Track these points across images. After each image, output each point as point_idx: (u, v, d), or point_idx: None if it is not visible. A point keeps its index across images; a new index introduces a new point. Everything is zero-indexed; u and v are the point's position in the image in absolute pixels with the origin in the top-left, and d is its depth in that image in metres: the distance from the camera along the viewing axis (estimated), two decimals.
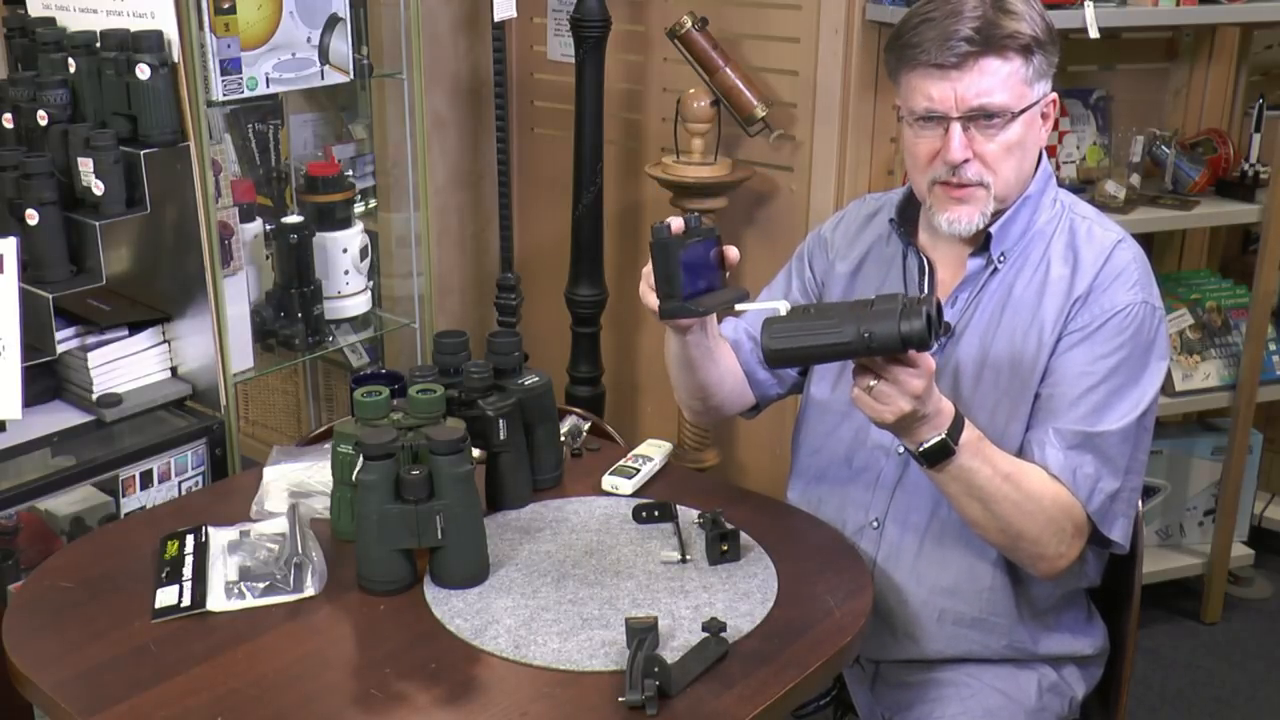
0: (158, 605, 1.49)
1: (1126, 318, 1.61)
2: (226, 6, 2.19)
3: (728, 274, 1.60)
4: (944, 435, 1.50)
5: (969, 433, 1.53)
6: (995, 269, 1.68)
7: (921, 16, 1.60)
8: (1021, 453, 1.63)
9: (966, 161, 1.61)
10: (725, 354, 1.81)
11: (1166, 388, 2.74)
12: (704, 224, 1.56)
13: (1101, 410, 1.60)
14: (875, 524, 1.73)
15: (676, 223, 1.55)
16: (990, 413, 1.65)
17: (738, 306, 1.60)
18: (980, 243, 1.68)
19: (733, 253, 1.61)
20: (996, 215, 1.66)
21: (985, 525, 1.59)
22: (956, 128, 1.59)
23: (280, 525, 1.64)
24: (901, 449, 1.68)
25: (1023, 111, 1.60)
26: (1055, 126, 1.69)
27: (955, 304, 1.70)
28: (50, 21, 2.20)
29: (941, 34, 1.56)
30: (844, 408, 1.76)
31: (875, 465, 1.73)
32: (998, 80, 1.57)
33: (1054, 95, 1.65)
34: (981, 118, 1.59)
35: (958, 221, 1.64)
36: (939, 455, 1.52)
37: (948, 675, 1.72)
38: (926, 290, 1.72)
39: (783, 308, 1.49)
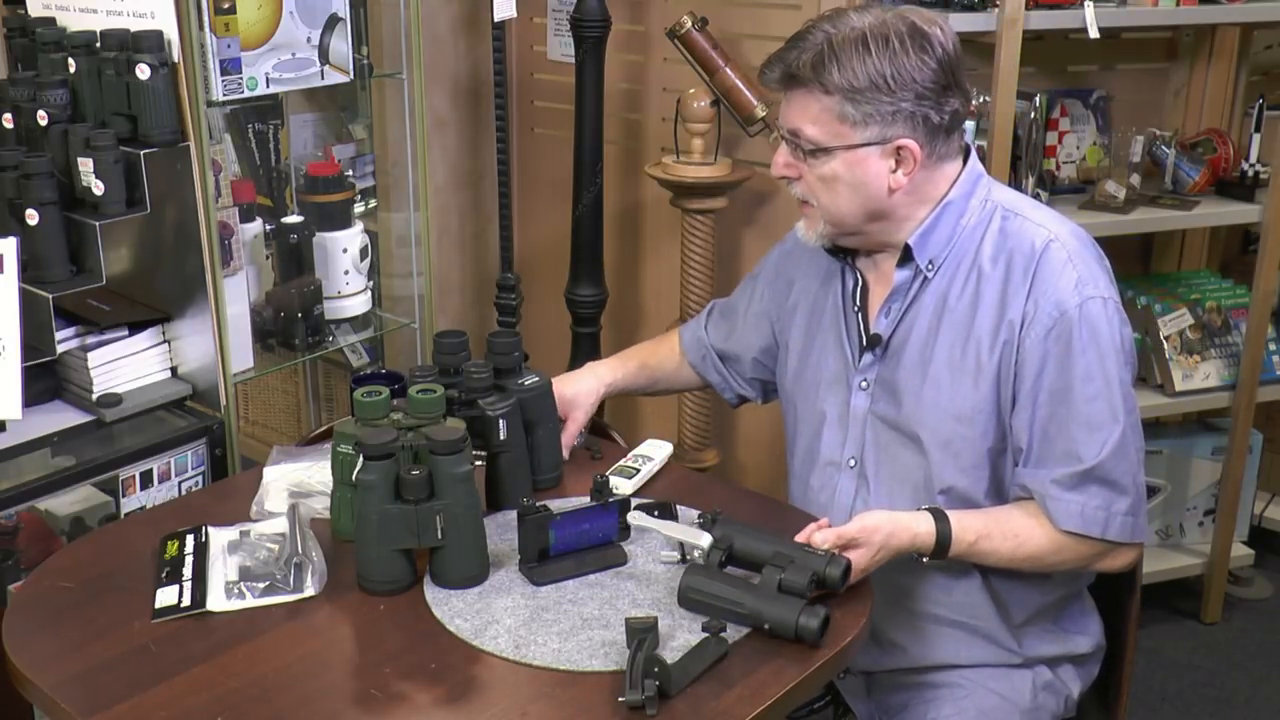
0: (158, 605, 1.49)
1: (1079, 324, 1.57)
2: (226, 6, 2.19)
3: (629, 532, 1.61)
4: (928, 558, 1.59)
5: (959, 544, 1.59)
6: (925, 279, 1.66)
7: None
8: (1019, 500, 1.64)
9: (789, 179, 1.65)
10: (663, 377, 2.00)
11: (1166, 388, 2.77)
12: (616, 493, 1.62)
13: (1088, 434, 1.58)
14: None
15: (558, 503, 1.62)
16: (932, 430, 1.64)
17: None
18: (903, 253, 1.66)
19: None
20: (887, 226, 1.65)
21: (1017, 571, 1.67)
22: (783, 144, 1.64)
23: (280, 525, 1.64)
24: (853, 463, 1.71)
25: (840, 150, 1.58)
26: (912, 168, 1.58)
27: (889, 314, 1.68)
28: (50, 21, 2.20)
29: (770, 58, 1.62)
30: (797, 425, 1.80)
31: (831, 483, 1.74)
32: (805, 112, 1.59)
33: (906, 143, 1.57)
34: (796, 143, 1.62)
35: (798, 230, 1.70)
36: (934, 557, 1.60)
37: (942, 677, 1.72)
38: (860, 333, 1.72)
39: (701, 547, 1.50)
